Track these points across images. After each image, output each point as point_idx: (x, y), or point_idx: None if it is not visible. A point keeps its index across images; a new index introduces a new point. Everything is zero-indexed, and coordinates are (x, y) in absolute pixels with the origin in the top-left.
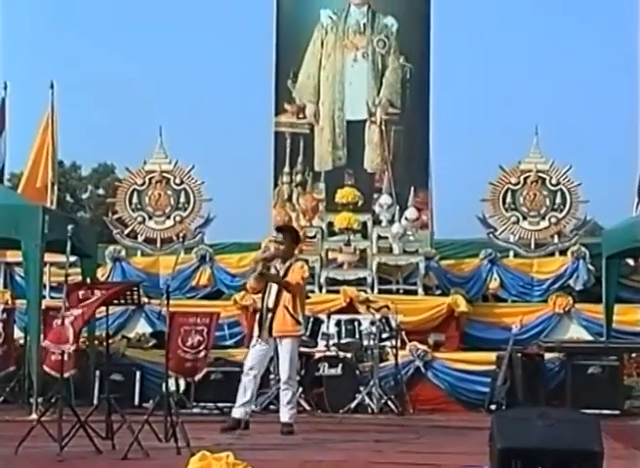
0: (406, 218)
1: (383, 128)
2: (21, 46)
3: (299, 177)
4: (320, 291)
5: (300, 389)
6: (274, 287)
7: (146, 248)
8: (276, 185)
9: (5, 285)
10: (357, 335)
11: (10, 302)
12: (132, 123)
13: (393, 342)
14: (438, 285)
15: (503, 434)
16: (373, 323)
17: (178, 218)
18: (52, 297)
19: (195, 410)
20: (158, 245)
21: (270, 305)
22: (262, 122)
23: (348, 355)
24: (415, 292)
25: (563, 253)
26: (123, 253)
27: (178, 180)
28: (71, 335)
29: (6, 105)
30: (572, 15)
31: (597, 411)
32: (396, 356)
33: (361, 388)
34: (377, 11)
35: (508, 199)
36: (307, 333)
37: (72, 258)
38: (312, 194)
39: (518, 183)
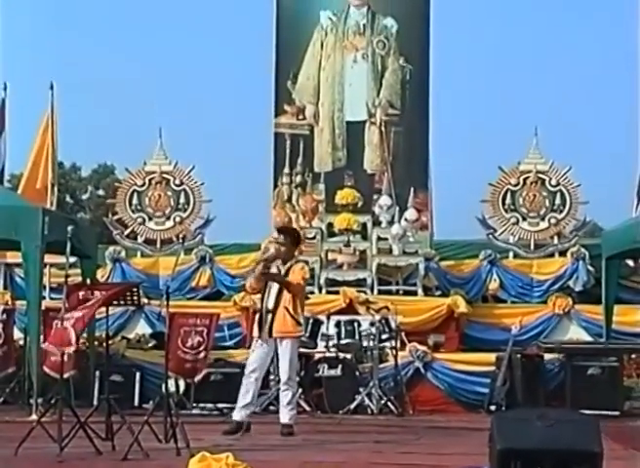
0: (406, 219)
1: (383, 129)
2: (21, 46)
3: (298, 178)
4: (320, 291)
5: (300, 390)
6: (274, 287)
7: (146, 249)
8: (276, 186)
9: (5, 286)
10: (357, 336)
11: (10, 303)
12: (132, 123)
13: (393, 343)
14: (438, 286)
15: (503, 435)
16: (372, 324)
17: (177, 219)
18: (52, 298)
19: (195, 411)
20: (158, 246)
21: (270, 306)
22: (262, 123)
23: (348, 356)
24: (414, 293)
25: (563, 253)
26: (123, 253)
27: (177, 181)
28: (73, 338)
29: (6, 106)
30: (571, 15)
31: (597, 412)
32: (396, 357)
33: (361, 389)
34: (376, 12)
35: (508, 200)
36: (307, 334)
37: (72, 259)
38: (312, 195)
39: (518, 184)
